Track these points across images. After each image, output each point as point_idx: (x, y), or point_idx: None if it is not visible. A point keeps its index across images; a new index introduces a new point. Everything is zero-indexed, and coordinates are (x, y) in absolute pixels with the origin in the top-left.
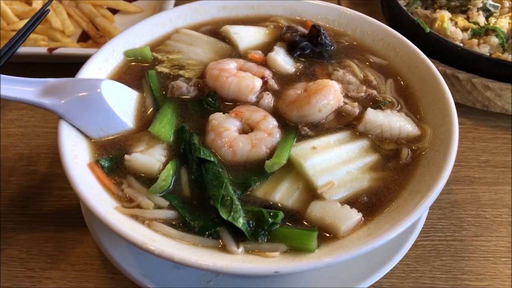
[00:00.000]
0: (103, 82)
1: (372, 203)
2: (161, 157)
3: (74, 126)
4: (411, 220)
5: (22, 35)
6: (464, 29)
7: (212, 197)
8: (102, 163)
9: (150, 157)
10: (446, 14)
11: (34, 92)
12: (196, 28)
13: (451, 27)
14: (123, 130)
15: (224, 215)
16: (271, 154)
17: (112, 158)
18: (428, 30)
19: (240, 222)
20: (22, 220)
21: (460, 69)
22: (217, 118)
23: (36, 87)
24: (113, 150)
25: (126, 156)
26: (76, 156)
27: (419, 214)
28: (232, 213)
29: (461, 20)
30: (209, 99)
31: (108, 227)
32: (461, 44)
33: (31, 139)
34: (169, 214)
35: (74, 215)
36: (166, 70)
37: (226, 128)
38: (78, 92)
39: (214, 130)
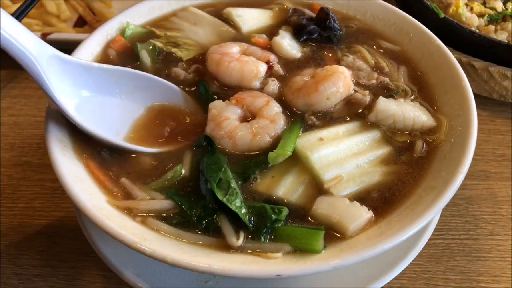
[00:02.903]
0: None
1: (383, 200)
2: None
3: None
4: (426, 219)
5: None
6: (480, 15)
7: (208, 179)
8: (105, 155)
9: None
10: None
11: None
12: None
13: (467, 12)
14: None
15: (219, 196)
16: (275, 143)
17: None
18: (442, 15)
19: (235, 205)
20: (11, 213)
21: (476, 57)
22: (216, 106)
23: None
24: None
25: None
26: (65, 147)
27: (435, 213)
28: (227, 196)
29: (477, 6)
30: (201, 90)
31: (96, 224)
32: (477, 31)
33: (23, 128)
34: (165, 204)
35: (66, 209)
36: (159, 45)
37: (226, 117)
38: None
39: (213, 120)
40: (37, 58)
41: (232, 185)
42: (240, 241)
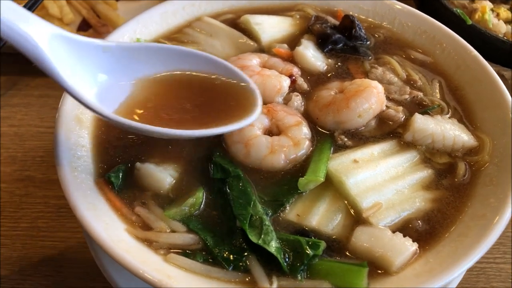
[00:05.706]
0: None
1: (427, 230)
2: (174, 173)
3: (73, 132)
4: (480, 252)
5: None
6: (507, 21)
7: (238, 217)
8: (113, 180)
9: (163, 171)
10: (487, 4)
11: None
12: (213, 18)
13: (493, 18)
14: None
15: (253, 238)
16: (292, 166)
17: (122, 170)
18: (470, 22)
19: (273, 246)
20: (13, 234)
21: (506, 67)
22: None
23: None
24: (121, 159)
25: (138, 164)
26: (76, 168)
27: (489, 245)
28: (262, 236)
29: (503, 11)
30: None
31: (114, 258)
32: (505, 38)
33: (24, 140)
34: (188, 238)
35: (72, 228)
36: None
37: (250, 124)
38: None
39: None
40: (36, 38)
41: (266, 222)
42: (274, 286)
